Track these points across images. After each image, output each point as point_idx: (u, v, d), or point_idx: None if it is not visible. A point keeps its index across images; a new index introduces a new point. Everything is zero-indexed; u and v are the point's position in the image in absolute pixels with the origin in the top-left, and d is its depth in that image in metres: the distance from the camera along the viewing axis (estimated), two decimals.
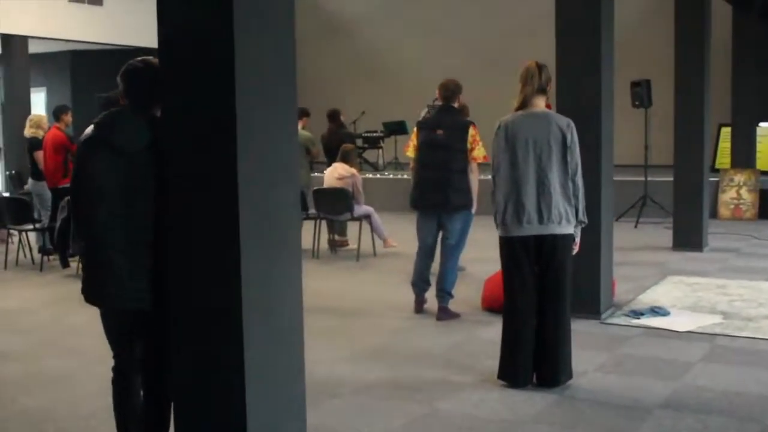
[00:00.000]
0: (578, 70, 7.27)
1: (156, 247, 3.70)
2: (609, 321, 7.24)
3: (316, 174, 13.55)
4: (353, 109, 17.75)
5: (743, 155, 15.56)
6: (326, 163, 11.98)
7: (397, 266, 10.00)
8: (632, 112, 13.89)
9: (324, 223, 11.11)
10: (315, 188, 10.92)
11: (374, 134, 18.01)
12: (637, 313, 7.41)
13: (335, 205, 10.55)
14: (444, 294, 7.50)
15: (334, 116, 12.26)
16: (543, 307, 5.40)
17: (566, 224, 5.36)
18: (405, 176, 16.47)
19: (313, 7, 21.63)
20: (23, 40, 17.26)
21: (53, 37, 17.65)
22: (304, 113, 11.48)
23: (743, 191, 15.00)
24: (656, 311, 7.46)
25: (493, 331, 6.86)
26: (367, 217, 10.74)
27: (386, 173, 17.30)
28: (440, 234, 7.62)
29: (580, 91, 7.23)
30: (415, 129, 7.79)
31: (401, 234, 11.40)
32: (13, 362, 6.38)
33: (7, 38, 17.12)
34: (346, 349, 6.50)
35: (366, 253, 10.76)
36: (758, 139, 16.08)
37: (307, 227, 11.17)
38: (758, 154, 16.06)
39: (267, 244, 3.52)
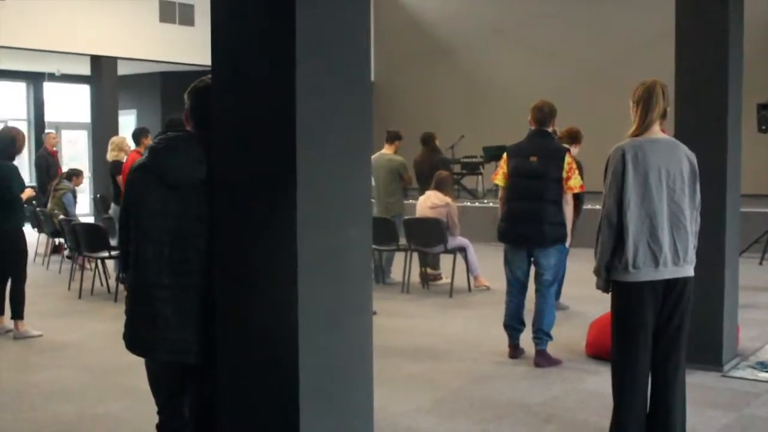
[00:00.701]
0: (702, 89, 6.69)
1: (207, 295, 3.35)
2: (732, 374, 6.61)
3: (410, 201, 13.20)
4: (452, 133, 17.35)
5: None
6: (419, 190, 11.56)
7: (493, 304, 9.49)
8: (759, 137, 13.11)
9: (416, 255, 10.67)
10: (406, 218, 10.52)
11: (473, 159, 17.54)
12: (766, 366, 6.75)
13: (428, 237, 10.12)
14: (542, 335, 7.02)
15: (428, 140, 11.80)
16: (660, 361, 4.84)
17: (693, 264, 4.82)
18: (493, 204, 16.00)
19: (414, 28, 21.41)
20: (112, 61, 17.47)
21: (143, 58, 17.84)
22: (395, 137, 11.13)
23: None
24: None
25: (598, 381, 6.35)
26: (462, 250, 10.28)
27: (485, 201, 16.79)
28: (531, 269, 7.19)
29: (704, 111, 6.65)
30: (504, 155, 7.31)
31: (498, 268, 10.93)
32: (70, 402, 6.13)
33: (97, 59, 17.35)
34: (432, 399, 6.05)
35: (460, 289, 10.30)
36: None
37: (398, 259, 10.88)
38: None
39: (330, 298, 3.14)
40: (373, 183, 11.01)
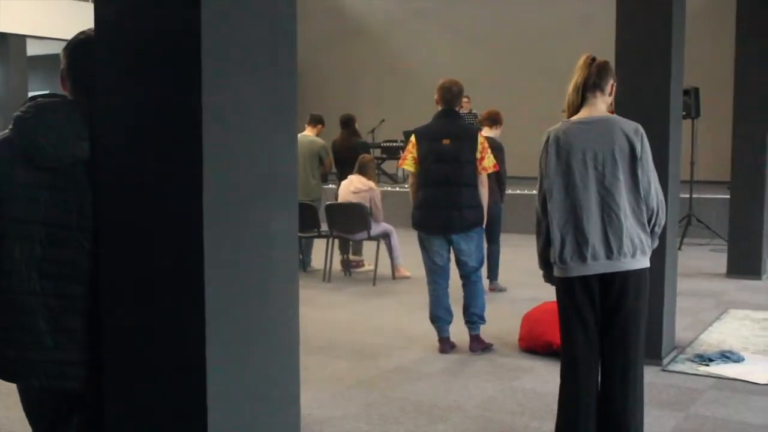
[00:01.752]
0: (641, 66, 6.16)
1: (93, 305, 2.57)
2: (672, 368, 6.12)
3: (330, 186, 12.51)
4: (373, 117, 16.69)
5: None
6: (337, 174, 10.86)
7: (418, 292, 8.86)
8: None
9: (337, 242, 9.99)
10: (328, 203, 9.82)
11: (394, 144, 16.89)
12: (705, 358, 6.28)
13: (351, 223, 9.44)
14: (475, 319, 6.59)
15: (347, 123, 11.06)
16: (609, 362, 4.26)
17: (641, 256, 4.22)
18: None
19: (332, 9, 20.68)
20: (20, 39, 16.32)
21: (51, 36, 16.68)
22: (318, 120, 10.41)
23: None
24: (727, 356, 6.32)
25: (534, 379, 5.83)
26: (386, 236, 9.64)
27: (405, 186, 16.16)
28: (450, 254, 6.64)
29: (644, 93, 6.11)
30: (412, 139, 6.68)
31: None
32: None
33: (3, 38, 16.18)
34: (361, 403, 5.39)
35: (384, 276, 9.66)
36: None
37: (319, 246, 10.19)
38: None
39: (247, 308, 2.43)
40: None
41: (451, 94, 6.55)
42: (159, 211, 2.32)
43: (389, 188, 15.27)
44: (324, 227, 9.74)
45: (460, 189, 6.38)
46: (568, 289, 4.19)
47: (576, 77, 4.22)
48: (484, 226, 6.61)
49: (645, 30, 6.20)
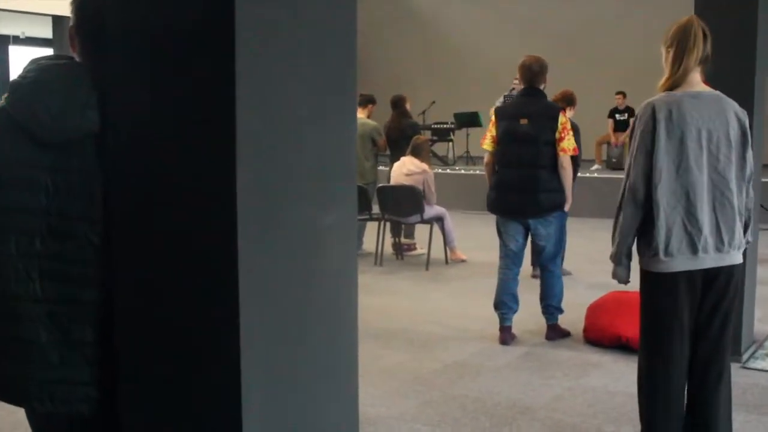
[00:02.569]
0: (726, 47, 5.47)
1: (105, 312, 1.99)
2: (753, 365, 5.46)
3: (381, 167, 11.91)
4: (423, 99, 16.05)
5: None
6: (389, 156, 10.23)
7: (472, 277, 8.33)
8: None
9: (388, 225, 9.41)
10: (380, 185, 9.23)
11: (444, 126, 16.24)
12: None
13: (403, 206, 8.86)
14: (552, 310, 6.12)
15: (398, 103, 10.34)
16: (700, 368, 3.64)
17: (741, 250, 3.59)
18: (477, 171, 14.77)
19: None
20: None
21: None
22: (368, 101, 9.78)
23: None
24: None
25: (602, 376, 5.24)
26: (439, 219, 9.03)
27: (457, 168, 15.55)
28: (528, 240, 6.14)
29: (730, 73, 5.42)
30: (492, 118, 6.16)
31: (474, 238, 9.72)
32: None
33: (59, 20, 15.84)
34: (417, 401, 4.82)
35: (436, 261, 9.06)
36: None
37: (370, 229, 9.62)
38: None
39: (293, 315, 1.88)
40: None
41: (531, 72, 6.00)
42: (186, 197, 1.77)
43: (440, 170, 14.63)
44: (376, 210, 9.17)
45: (536, 171, 5.85)
46: (669, 286, 3.55)
47: (687, 45, 3.56)
48: (566, 210, 6.05)
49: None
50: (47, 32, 16.58)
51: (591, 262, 8.63)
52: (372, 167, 9.60)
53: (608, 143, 15.30)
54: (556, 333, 6.08)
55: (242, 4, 1.64)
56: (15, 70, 20.93)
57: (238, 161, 1.65)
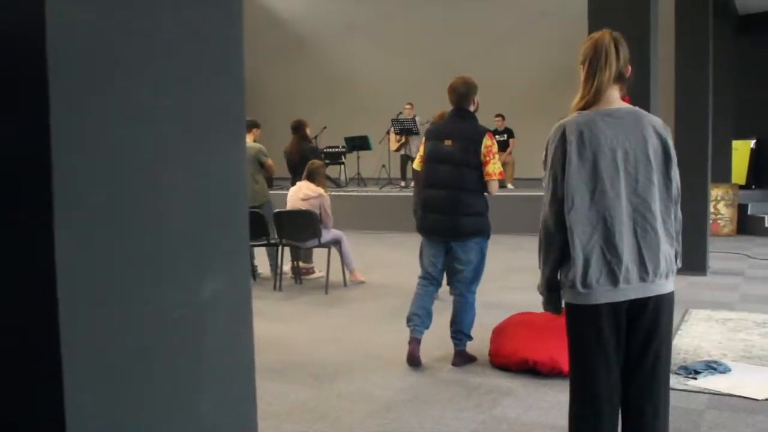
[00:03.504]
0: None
1: None
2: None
3: (283, 191, 11.23)
4: (315, 125, 15.44)
5: (719, 169, 13.66)
6: (291, 180, 9.60)
7: (373, 299, 7.77)
8: None
9: (287, 250, 8.74)
10: (276, 210, 8.58)
11: (336, 149, 15.74)
12: (690, 371, 5.25)
13: (301, 230, 8.23)
14: (462, 336, 5.58)
15: (298, 128, 9.74)
16: (633, 406, 3.16)
17: (672, 277, 3.13)
18: (369, 193, 14.28)
19: (274, 24, 19.48)
20: None
21: None
22: (252, 125, 9.14)
23: (720, 206, 13.12)
24: (713, 367, 5.30)
25: (516, 405, 4.72)
26: (337, 243, 8.45)
27: (349, 190, 15.03)
28: (446, 261, 5.62)
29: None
30: (424, 138, 5.78)
31: (370, 258, 9.18)
32: None
33: None
34: None
35: (335, 284, 8.47)
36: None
37: (263, 254, 8.99)
38: (733, 169, 14.42)
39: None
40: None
41: (456, 94, 5.54)
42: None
43: (334, 192, 14.07)
44: (274, 236, 8.51)
45: (459, 193, 5.39)
46: (589, 318, 3.05)
47: (599, 62, 3.09)
48: (488, 236, 5.57)
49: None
50: None
51: (487, 280, 8.20)
52: (262, 188, 8.95)
53: None
54: (462, 359, 5.55)
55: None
56: None
57: (56, 220, 1.02)
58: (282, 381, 5.26)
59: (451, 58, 16.66)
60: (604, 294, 2.98)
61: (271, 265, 8.91)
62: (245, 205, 1.47)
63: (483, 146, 5.36)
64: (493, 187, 5.45)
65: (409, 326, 5.55)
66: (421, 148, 5.74)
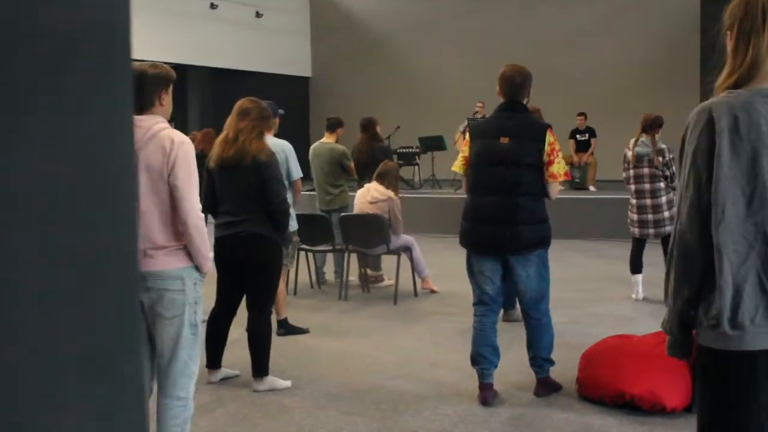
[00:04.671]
0: None
1: None
2: None
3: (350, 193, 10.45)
4: (388, 125, 14.65)
5: None
6: (357, 181, 8.76)
7: (445, 314, 6.90)
8: None
9: (354, 256, 7.95)
10: (342, 214, 7.80)
11: (410, 150, 14.88)
12: None
13: (368, 236, 7.42)
14: (541, 362, 4.66)
15: (368, 126, 8.77)
16: None
17: None
18: (444, 195, 13.40)
19: (349, 24, 18.80)
20: None
21: None
22: (336, 124, 8.35)
23: None
24: None
25: None
26: (407, 249, 7.61)
27: (423, 192, 14.16)
28: (504, 279, 4.65)
29: None
30: (465, 136, 4.78)
31: (444, 266, 8.29)
32: None
33: None
34: None
35: (405, 293, 7.63)
36: None
37: (333, 262, 8.22)
38: None
39: None
40: (313, 174, 8.30)
41: (512, 84, 4.56)
42: None
43: (407, 194, 13.25)
44: (339, 241, 7.72)
45: (517, 199, 4.42)
46: (739, 370, 2.14)
47: (755, 23, 2.16)
48: (548, 245, 4.61)
49: None
50: None
51: (569, 290, 7.26)
52: (341, 193, 8.20)
53: (571, 164, 13.99)
54: (546, 388, 4.66)
55: None
56: None
57: None
58: (340, 410, 4.46)
59: (526, 56, 15.65)
60: (761, 337, 2.08)
61: (336, 272, 8.13)
62: (134, 300, 0.65)
63: (546, 143, 4.43)
64: (555, 190, 4.54)
65: (476, 369, 4.63)
66: (465, 148, 4.73)
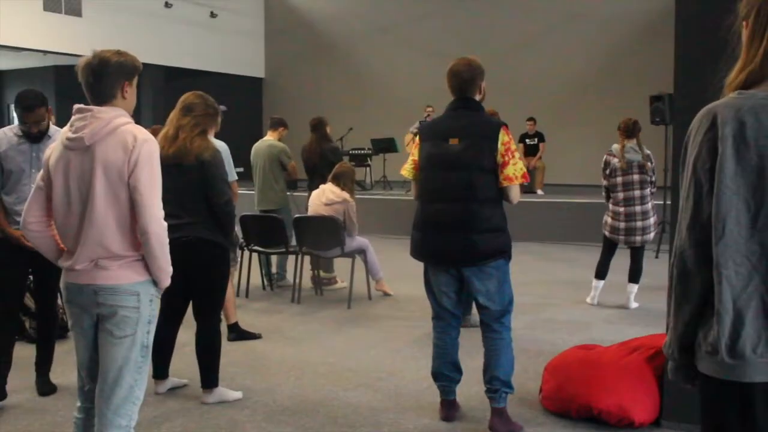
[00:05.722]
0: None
1: None
2: None
3: (302, 194, 9.99)
4: (341, 127, 14.26)
5: None
6: (308, 182, 8.32)
7: (400, 318, 6.52)
8: (651, 129, 10.51)
9: (307, 258, 7.52)
10: (296, 216, 7.36)
11: (362, 151, 14.51)
12: None
13: (322, 238, 7.00)
14: (498, 386, 3.94)
15: (317, 126, 8.32)
16: None
17: None
18: (395, 197, 13.05)
19: (303, 27, 18.34)
20: None
21: (27, 47, 14.01)
22: (278, 123, 7.91)
23: None
24: None
25: None
26: (361, 252, 7.21)
27: (375, 193, 13.79)
28: (462, 291, 4.05)
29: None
30: (415, 137, 4.23)
31: (396, 268, 7.92)
32: None
33: None
34: None
35: (358, 295, 7.23)
36: None
37: (288, 263, 7.80)
38: None
39: None
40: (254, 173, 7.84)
41: (459, 79, 3.95)
42: None
43: (359, 196, 12.85)
44: (293, 242, 7.29)
45: (470, 205, 3.82)
46: (736, 401, 1.81)
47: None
48: (509, 257, 3.99)
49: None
50: None
51: (527, 295, 6.94)
52: (282, 191, 7.73)
53: None
54: (503, 423, 3.93)
55: None
56: None
57: None
58: (294, 425, 4.05)
59: (484, 60, 15.46)
60: (761, 368, 1.75)
61: (279, 274, 7.80)
62: None
63: (500, 143, 3.81)
64: (515, 193, 3.89)
65: (437, 385, 4.17)
66: (414, 151, 4.09)
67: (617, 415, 3.94)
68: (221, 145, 5.50)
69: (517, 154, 3.89)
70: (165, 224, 2.78)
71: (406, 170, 4.13)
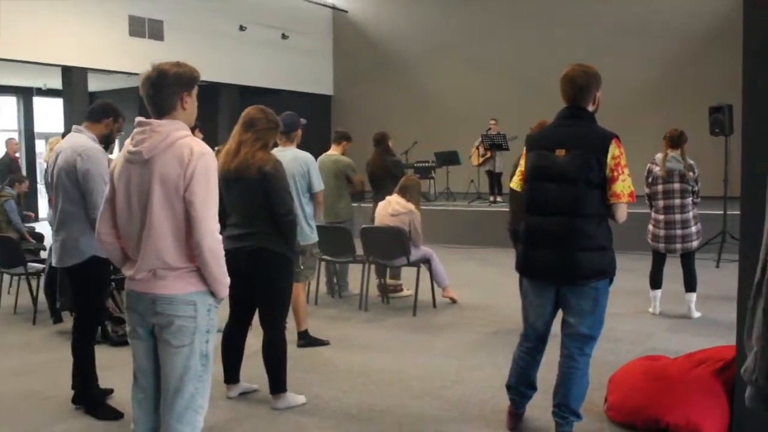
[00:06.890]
0: None
1: None
2: None
3: (362, 204, 9.90)
4: (406, 140, 14.16)
5: None
6: (372, 194, 8.24)
7: (465, 325, 6.36)
8: (711, 140, 10.11)
9: (373, 267, 7.41)
10: (363, 226, 7.27)
11: (426, 164, 14.39)
12: None
13: (388, 248, 6.90)
14: (566, 414, 3.65)
15: (381, 141, 8.25)
16: None
17: None
18: (458, 207, 12.87)
19: (370, 46, 18.35)
20: (82, 72, 13.86)
21: (113, 69, 14.33)
22: (342, 137, 7.80)
23: None
24: None
25: None
26: (426, 261, 7.08)
27: (438, 204, 13.64)
28: (557, 312, 3.75)
29: None
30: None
31: (460, 276, 7.75)
32: None
33: (68, 70, 13.79)
34: None
35: (423, 304, 7.08)
36: None
37: (354, 272, 7.71)
38: None
39: None
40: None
41: (573, 86, 3.60)
42: None
43: (423, 207, 12.71)
44: (359, 251, 7.20)
45: (574, 221, 3.51)
46: None
47: None
48: (611, 279, 3.67)
49: None
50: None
51: None
52: (347, 205, 7.63)
53: None
54: None
55: None
56: (39, 121, 18.92)
57: None
58: (358, 430, 3.92)
59: (540, 77, 15.17)
60: None
61: (341, 285, 7.74)
62: None
63: (609, 156, 3.46)
64: (621, 212, 3.53)
65: (509, 395, 3.97)
66: (521, 162, 3.81)
67: (686, 429, 3.71)
68: (308, 157, 5.46)
69: (627, 170, 3.52)
70: (219, 237, 2.68)
71: (515, 182, 3.89)
